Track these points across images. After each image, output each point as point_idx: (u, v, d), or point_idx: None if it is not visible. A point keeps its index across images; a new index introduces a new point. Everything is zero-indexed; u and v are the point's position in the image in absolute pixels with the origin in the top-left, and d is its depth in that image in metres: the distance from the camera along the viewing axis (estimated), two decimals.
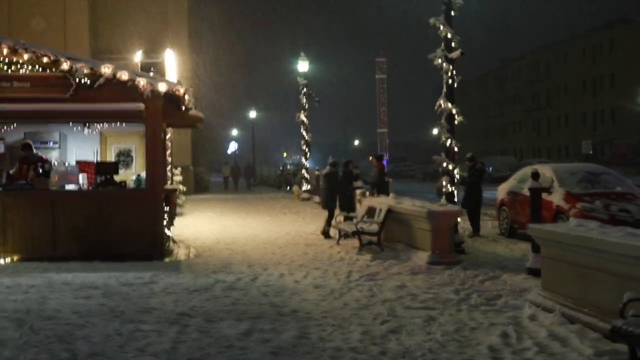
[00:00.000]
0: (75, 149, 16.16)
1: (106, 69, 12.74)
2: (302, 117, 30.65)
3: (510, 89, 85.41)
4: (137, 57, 20.17)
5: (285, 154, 64.92)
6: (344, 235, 14.77)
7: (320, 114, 33.80)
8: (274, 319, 7.96)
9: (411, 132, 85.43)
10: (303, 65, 30.79)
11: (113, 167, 13.71)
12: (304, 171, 31.20)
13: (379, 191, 15.92)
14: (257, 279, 10.66)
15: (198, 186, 36.96)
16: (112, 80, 12.79)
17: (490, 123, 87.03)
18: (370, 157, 17.85)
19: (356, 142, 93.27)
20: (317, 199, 28.69)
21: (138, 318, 8.02)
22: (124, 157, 16.44)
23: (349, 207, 16.51)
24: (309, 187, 30.54)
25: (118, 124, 14.98)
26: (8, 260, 12.38)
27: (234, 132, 69.62)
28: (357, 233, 13.72)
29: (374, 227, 13.52)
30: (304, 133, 30.95)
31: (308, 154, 31.34)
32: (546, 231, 8.36)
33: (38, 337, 7.21)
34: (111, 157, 16.40)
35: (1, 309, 8.34)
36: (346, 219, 15.66)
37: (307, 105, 30.72)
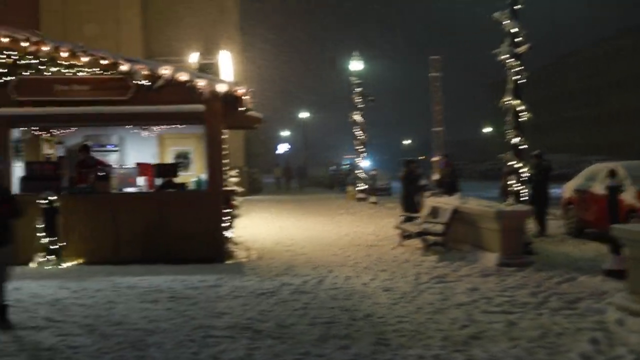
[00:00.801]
0: (133, 152, 16.13)
1: (165, 71, 12.66)
2: (356, 116, 30.33)
3: (564, 84, 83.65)
4: (193, 58, 20.15)
5: (343, 156, 64.65)
6: (407, 235, 14.40)
7: (372, 113, 33.37)
8: (348, 324, 7.68)
9: (461, 130, 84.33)
10: (357, 65, 30.48)
11: (173, 169, 13.62)
12: (358, 171, 30.85)
13: (448, 191, 15.39)
14: (323, 282, 10.39)
15: (251, 187, 36.95)
16: (171, 81, 12.71)
17: (543, 119, 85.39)
18: (439, 157, 17.45)
19: (407, 142, 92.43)
20: (372, 199, 28.38)
21: (208, 323, 7.82)
22: (182, 159, 16.34)
23: (412, 207, 16.15)
24: (364, 187, 30.17)
25: (176, 126, 14.89)
26: (72, 263, 12.35)
27: (285, 132, 69.64)
28: (422, 234, 13.36)
29: (439, 228, 13.13)
30: (358, 133, 30.61)
31: (363, 153, 30.98)
32: (634, 231, 7.89)
33: (109, 343, 7.08)
34: (169, 160, 16.32)
35: (71, 314, 8.24)
36: (409, 219, 15.30)
37: (361, 104, 30.38)
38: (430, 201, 15.21)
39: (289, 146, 70.63)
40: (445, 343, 6.80)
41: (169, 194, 13.07)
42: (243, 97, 13.07)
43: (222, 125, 13.36)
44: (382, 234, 16.75)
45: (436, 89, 29.32)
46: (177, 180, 13.56)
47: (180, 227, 12.66)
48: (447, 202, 13.85)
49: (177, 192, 13.17)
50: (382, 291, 9.60)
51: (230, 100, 13.03)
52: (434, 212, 14.19)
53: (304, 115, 61.56)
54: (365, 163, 30.56)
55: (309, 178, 55.38)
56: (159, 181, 13.61)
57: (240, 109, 13.62)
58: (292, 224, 20.22)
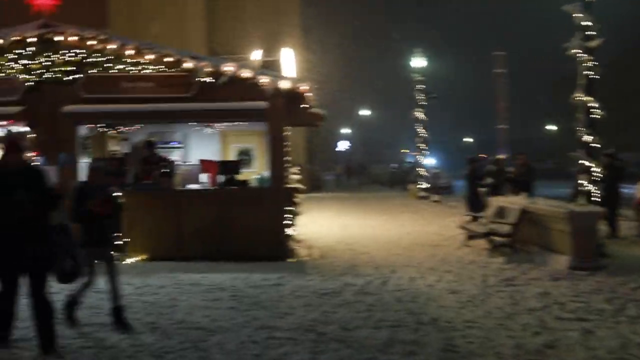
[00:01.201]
0: (196, 149, 16.17)
1: (228, 68, 12.62)
2: (418, 113, 29.92)
3: (633, 80, 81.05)
4: (256, 55, 20.13)
5: (404, 151, 63.76)
6: (472, 236, 14.04)
7: (433, 111, 32.86)
8: (414, 328, 7.45)
9: (523, 128, 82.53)
10: (419, 61, 30.07)
11: (236, 166, 13.57)
12: (420, 169, 30.44)
13: (522, 190, 14.81)
14: (387, 283, 10.17)
15: (312, 185, 36.89)
16: (234, 78, 12.66)
17: (610, 117, 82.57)
18: (517, 155, 16.96)
19: (468, 139, 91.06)
20: (435, 197, 27.96)
21: (270, 324, 7.70)
22: (244, 156, 16.28)
23: (477, 206, 15.76)
24: (425, 185, 29.76)
25: (238, 123, 14.87)
26: (135, 260, 12.42)
27: (345, 130, 69.44)
28: (488, 234, 12.99)
29: (507, 228, 12.74)
30: (420, 130, 30.20)
31: (425, 151, 30.55)
32: None
33: (172, 342, 7.02)
34: (232, 157, 16.31)
35: (134, 311, 8.22)
36: (474, 219, 14.93)
37: (423, 101, 29.95)
38: (496, 200, 14.80)
39: (349, 144, 70.41)
40: (518, 352, 6.51)
41: (232, 191, 13.02)
42: (305, 94, 12.95)
43: (284, 122, 13.25)
44: (445, 233, 16.41)
45: (500, 86, 28.64)
46: (240, 177, 13.50)
47: (243, 225, 12.60)
48: (514, 202, 13.44)
49: (240, 189, 13.11)
50: (448, 293, 9.33)
51: (293, 97, 12.91)
52: (500, 212, 13.79)
53: (364, 112, 61.25)
54: (430, 161, 30.10)
55: (368, 175, 55.08)
56: (221, 178, 13.58)
57: (302, 106, 13.53)
58: (354, 222, 20.02)
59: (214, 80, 12.65)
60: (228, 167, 13.50)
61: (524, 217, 12.65)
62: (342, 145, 70.59)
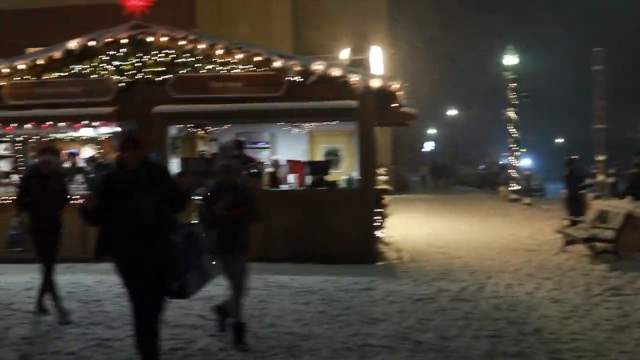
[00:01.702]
0: (284, 149, 16.07)
1: (318, 66, 12.42)
2: (510, 113, 29.02)
3: None
4: (344, 54, 19.89)
5: (492, 153, 62.24)
6: (570, 241, 13.35)
7: (526, 110, 31.85)
8: (517, 339, 7.01)
9: (622, 127, 79.33)
10: (511, 59, 29.16)
11: (325, 167, 13.35)
12: (511, 170, 29.53)
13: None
14: (483, 289, 9.71)
15: (398, 186, 36.39)
16: (324, 77, 12.45)
17: None
18: (606, 156, 16.15)
19: (560, 140, 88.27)
20: (526, 200, 27.04)
21: (364, 330, 7.41)
22: (332, 157, 16.08)
23: (577, 210, 15.02)
24: (517, 187, 28.83)
25: (326, 123, 14.65)
26: None
27: (431, 130, 68.48)
28: (589, 240, 12.30)
29: (610, 234, 12.04)
30: (512, 130, 29.28)
31: (517, 152, 29.59)
32: None
33: (262, 346, 6.83)
34: (319, 157, 16.13)
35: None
36: (573, 223, 14.22)
37: (515, 101, 29.04)
38: (597, 204, 14.05)
39: (435, 144, 69.36)
40: None
41: (321, 192, 12.80)
42: (396, 93, 12.62)
43: (374, 121, 12.96)
44: (540, 237, 15.73)
45: (599, 83, 27.43)
46: (329, 178, 13.27)
47: (332, 226, 12.38)
48: (618, 206, 12.70)
49: (328, 190, 12.88)
50: (549, 302, 8.80)
51: (383, 96, 12.61)
52: (602, 216, 13.05)
53: (451, 112, 60.19)
54: (525, 162, 29.10)
55: (455, 177, 54.07)
56: (309, 179, 13.39)
57: (393, 105, 13.21)
58: (442, 225, 19.50)
59: (303, 79, 12.49)
60: (316, 168, 13.29)
61: (629, 222, 11.92)
62: (428, 146, 69.66)
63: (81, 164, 14.41)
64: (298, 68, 12.37)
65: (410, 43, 34.97)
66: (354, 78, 12.33)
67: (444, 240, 15.65)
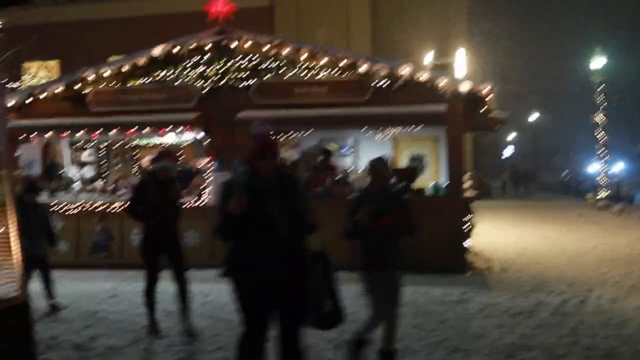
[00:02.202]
0: (367, 155, 15.69)
1: (405, 70, 12.05)
2: (599, 118, 27.90)
3: None
4: (427, 58, 19.46)
5: (578, 158, 60.10)
6: None
7: (613, 113, 30.63)
8: None
9: None
10: (599, 61, 28.04)
11: (412, 173, 12.94)
12: (600, 176, 28.35)
13: None
14: (585, 303, 9.12)
15: (480, 192, 35.53)
16: (411, 81, 12.08)
17: None
18: None
19: None
20: (617, 207, 25.88)
21: (464, 346, 6.99)
22: (417, 163, 15.63)
23: None
24: (605, 194, 27.66)
25: (411, 128, 14.24)
26: None
27: (512, 134, 66.85)
28: None
29: None
30: (600, 135, 28.13)
31: (606, 157, 28.41)
32: None
33: None
34: (404, 163, 15.71)
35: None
36: None
37: (603, 104, 27.89)
38: None
39: (515, 149, 67.67)
40: None
41: (408, 200, 12.37)
42: (486, 97, 12.12)
43: (463, 127, 12.49)
44: (638, 247, 14.90)
45: None
46: (415, 185, 12.86)
47: (419, 234, 11.93)
48: None
49: (416, 197, 12.46)
50: None
51: (472, 100, 12.15)
52: None
53: (533, 116, 58.56)
54: (616, 167, 27.92)
55: (537, 183, 52.58)
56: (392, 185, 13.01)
57: (482, 109, 12.73)
58: (530, 233, 18.76)
59: (389, 84, 12.15)
60: (403, 175, 12.89)
61: None
62: (508, 151, 68.08)
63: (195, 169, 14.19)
64: (384, 72, 12.02)
65: (493, 47, 34.14)
66: (442, 82, 11.91)
67: (534, 249, 14.99)
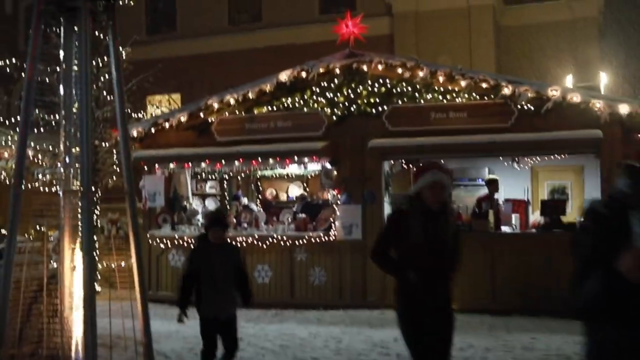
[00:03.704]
0: (503, 186, 14.50)
1: (554, 92, 10.90)
2: None
3: None
4: (568, 81, 18.06)
5: None
6: None
7: None
8: None
9: None
10: None
11: (561, 206, 11.68)
12: None
13: None
14: None
15: None
16: (561, 104, 10.90)
17: None
18: None
19: None
20: None
21: None
22: (558, 195, 14.30)
23: None
24: None
25: (553, 157, 13.00)
26: None
27: None
28: None
29: None
30: None
31: None
32: None
33: None
34: (543, 195, 14.40)
35: None
36: None
37: None
38: None
39: None
40: None
41: (557, 236, 11.16)
42: None
43: (620, 154, 11.16)
44: None
45: None
46: (564, 219, 11.60)
47: (568, 275, 10.67)
48: None
49: (565, 233, 11.20)
50: None
51: (630, 123, 10.83)
52: None
53: None
54: None
55: None
56: (541, 219, 11.81)
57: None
58: None
59: (535, 107, 11.02)
60: (550, 207, 11.67)
61: None
62: None
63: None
64: (532, 94, 10.91)
65: (628, 68, 32.01)
66: (597, 104, 10.67)
67: None
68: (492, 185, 12.28)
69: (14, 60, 13.50)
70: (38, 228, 12.02)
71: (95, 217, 14.47)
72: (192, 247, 7.50)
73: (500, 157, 12.74)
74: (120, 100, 4.99)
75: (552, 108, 10.93)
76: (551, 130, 10.91)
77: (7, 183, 13.74)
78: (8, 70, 13.44)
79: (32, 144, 12.87)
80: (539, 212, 12.04)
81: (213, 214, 7.79)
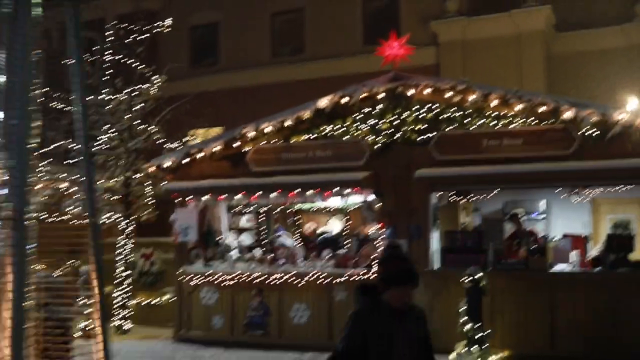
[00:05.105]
0: (560, 220, 13.42)
1: (622, 115, 9.91)
2: None
3: None
4: (631, 105, 16.89)
5: None
6: None
7: None
8: None
9: None
10: None
11: (628, 242, 10.60)
12: None
13: None
14: None
15: None
16: (628, 129, 9.90)
17: None
18: None
19: None
20: None
21: None
22: (621, 230, 13.15)
23: None
24: None
25: (616, 189, 11.93)
26: (498, 356, 10.00)
27: None
28: None
29: None
30: None
31: None
32: None
33: None
34: (605, 230, 13.27)
35: None
36: None
37: None
38: None
39: None
40: None
41: (624, 276, 10.09)
42: None
43: None
44: None
45: None
46: (632, 256, 10.51)
47: (638, 319, 9.67)
48: None
49: (634, 272, 10.12)
50: None
51: None
52: None
53: None
54: None
55: None
56: (604, 256, 10.73)
57: None
58: None
59: (599, 132, 10.03)
60: (617, 244, 10.59)
61: None
62: None
63: None
64: (596, 118, 9.93)
65: None
66: None
67: None
68: (515, 219, 11.37)
69: None
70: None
71: (129, 251, 13.85)
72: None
73: (560, 188, 11.67)
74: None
75: (618, 134, 9.95)
76: (616, 157, 9.92)
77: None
78: None
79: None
80: (603, 248, 10.95)
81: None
